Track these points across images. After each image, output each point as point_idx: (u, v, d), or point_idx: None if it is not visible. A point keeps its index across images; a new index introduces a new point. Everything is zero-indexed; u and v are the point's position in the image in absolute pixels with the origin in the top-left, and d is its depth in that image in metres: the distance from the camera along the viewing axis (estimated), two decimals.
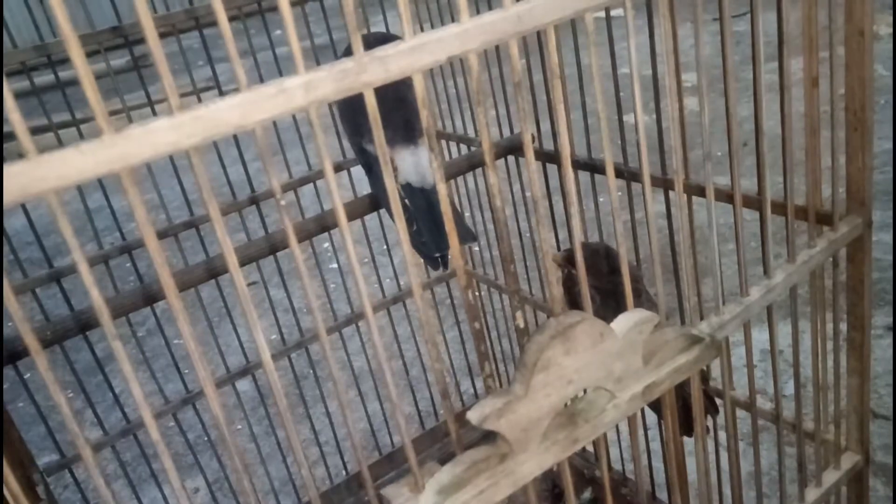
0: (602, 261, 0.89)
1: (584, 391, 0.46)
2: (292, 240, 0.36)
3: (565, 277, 0.96)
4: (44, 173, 0.29)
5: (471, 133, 1.19)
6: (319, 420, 1.39)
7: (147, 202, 1.04)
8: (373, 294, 1.33)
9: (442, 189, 0.40)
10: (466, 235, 0.87)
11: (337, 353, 1.35)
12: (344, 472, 1.39)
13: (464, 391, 1.61)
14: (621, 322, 0.46)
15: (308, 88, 0.34)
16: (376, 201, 0.94)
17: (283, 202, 0.35)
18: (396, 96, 0.79)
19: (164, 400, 1.11)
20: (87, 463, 0.34)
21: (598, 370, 0.45)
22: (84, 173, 0.30)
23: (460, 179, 1.20)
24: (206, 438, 1.25)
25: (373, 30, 1.00)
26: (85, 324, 0.83)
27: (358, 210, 0.92)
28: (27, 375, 0.97)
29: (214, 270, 0.79)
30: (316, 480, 1.45)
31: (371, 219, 1.07)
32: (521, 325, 0.44)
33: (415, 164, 0.77)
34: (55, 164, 0.30)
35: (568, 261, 0.95)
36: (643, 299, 0.88)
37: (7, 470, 0.32)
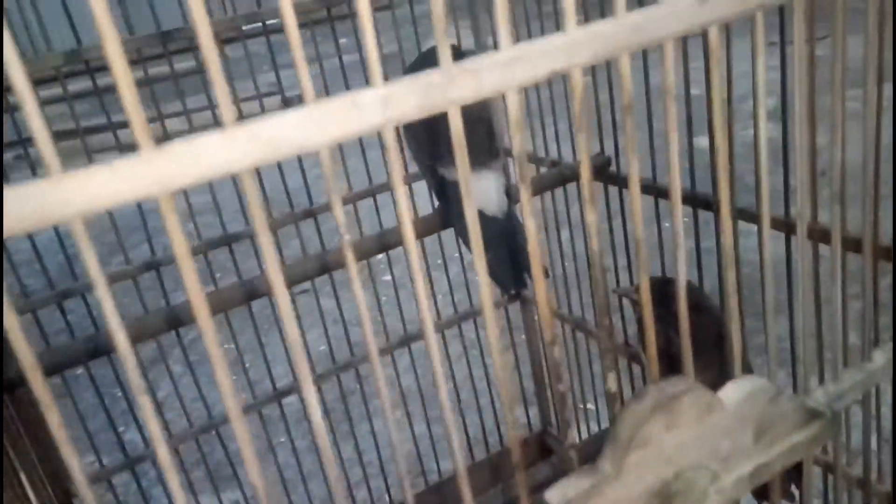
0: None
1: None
2: (353, 270, 0.31)
3: (639, 315, 0.89)
4: (68, 196, 0.24)
5: (538, 152, 1.13)
6: (364, 439, 1.34)
7: (201, 205, 1.00)
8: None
9: (531, 226, 0.34)
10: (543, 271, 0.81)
11: (385, 369, 1.30)
12: (387, 497, 1.34)
13: (517, 417, 1.54)
14: (731, 392, 0.39)
15: (386, 104, 0.28)
16: (444, 220, 0.89)
17: (346, 237, 0.30)
18: (473, 115, 0.73)
19: (207, 411, 1.08)
20: (166, 463, 0.29)
21: (703, 448, 0.38)
22: (117, 196, 0.25)
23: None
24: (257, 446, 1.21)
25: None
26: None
27: (423, 229, 0.87)
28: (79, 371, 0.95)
29: (255, 292, 0.75)
30: (357, 502, 1.40)
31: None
32: (613, 389, 0.38)
33: (488, 189, 0.72)
34: (82, 185, 0.24)
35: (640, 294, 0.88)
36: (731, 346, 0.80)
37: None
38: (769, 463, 0.40)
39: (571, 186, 1.05)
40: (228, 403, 0.30)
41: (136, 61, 0.97)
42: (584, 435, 1.37)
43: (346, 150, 1.09)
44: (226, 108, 0.26)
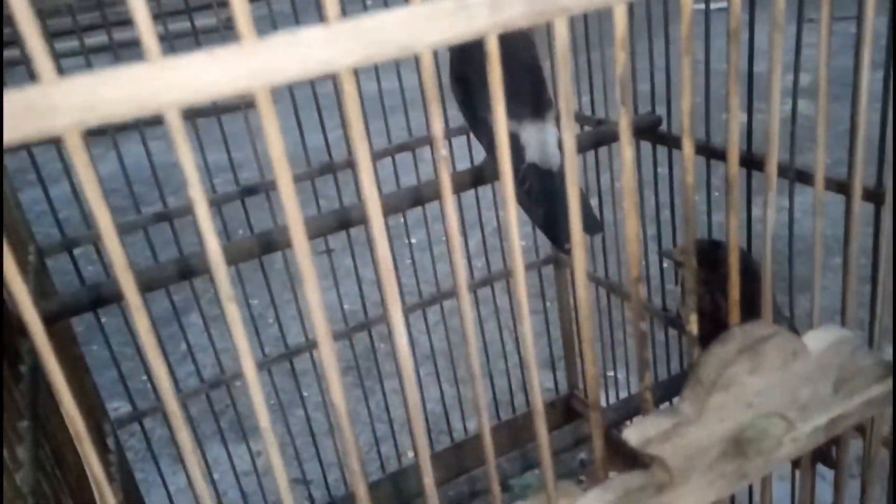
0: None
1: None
2: (447, 198, 0.29)
3: (683, 276, 0.87)
4: (165, 82, 0.23)
5: (584, 111, 1.10)
6: (392, 395, 1.34)
7: (217, 163, 0.98)
8: (450, 275, 1.26)
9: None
10: (594, 225, 0.78)
11: (413, 324, 1.29)
12: (411, 452, 1.34)
13: (542, 383, 1.53)
14: (816, 339, 0.37)
15: (494, 7, 0.26)
16: (480, 176, 0.87)
17: (444, 152, 0.28)
18: (526, 63, 0.70)
19: (220, 368, 1.08)
20: (173, 418, 0.28)
21: (783, 395, 0.37)
22: (217, 86, 0.24)
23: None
24: (273, 401, 1.21)
25: None
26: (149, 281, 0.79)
27: (458, 185, 0.85)
28: (104, 320, 0.95)
29: (271, 245, 0.73)
30: (382, 457, 1.40)
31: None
32: (695, 332, 0.36)
33: (546, 142, 0.69)
34: (180, 73, 0.23)
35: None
36: (775, 310, 0.78)
37: (80, 421, 0.27)
38: (846, 415, 0.39)
39: (603, 153, 1.03)
40: (239, 345, 0.29)
41: (156, 16, 0.95)
42: (610, 401, 1.36)
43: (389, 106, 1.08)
44: (330, 3, 0.24)
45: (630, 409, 1.08)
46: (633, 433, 0.33)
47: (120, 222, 0.93)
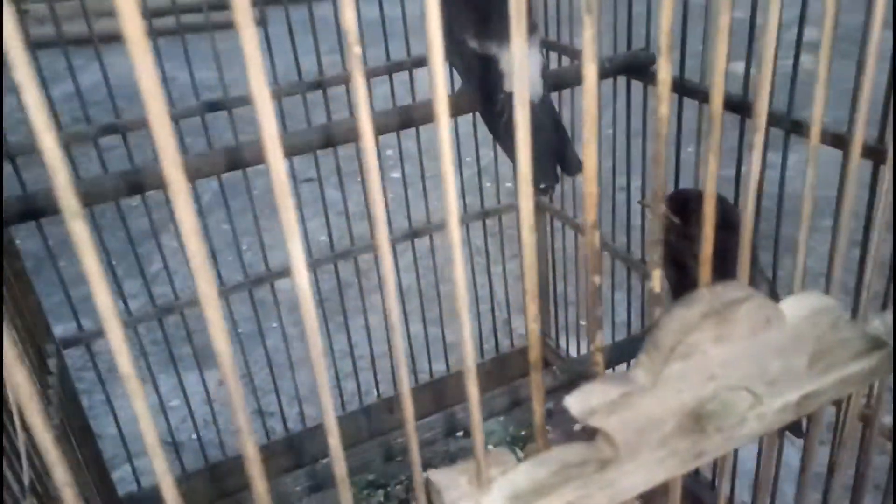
0: (720, 213, 0.75)
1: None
2: (361, 91, 0.24)
3: (666, 228, 0.83)
4: None
5: (574, 44, 1.03)
6: (357, 332, 1.30)
7: (208, 80, 0.92)
8: (435, 212, 1.21)
9: (591, 71, 0.27)
10: (578, 165, 0.73)
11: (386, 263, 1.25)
12: (375, 391, 1.32)
13: (515, 328, 1.50)
14: (793, 307, 0.33)
15: None
16: (454, 106, 0.81)
17: (357, 49, 0.23)
18: None
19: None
20: (114, 345, 0.23)
21: (751, 366, 0.32)
22: None
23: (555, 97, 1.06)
24: (237, 331, 1.18)
25: None
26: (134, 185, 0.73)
27: (453, 108, 0.79)
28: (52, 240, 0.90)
29: (239, 160, 0.67)
30: (345, 394, 1.38)
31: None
32: (657, 288, 0.32)
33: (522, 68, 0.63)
34: None
35: (672, 204, 0.82)
36: (757, 269, 0.74)
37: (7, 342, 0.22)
38: (820, 391, 0.35)
39: (606, 90, 0.97)
40: (198, 273, 0.24)
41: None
42: (582, 351, 1.34)
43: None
44: None
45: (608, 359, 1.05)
46: (576, 401, 0.29)
47: (70, 132, 0.87)
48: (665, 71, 0.28)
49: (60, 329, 1.00)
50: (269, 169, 0.23)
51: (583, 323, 1.38)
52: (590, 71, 0.26)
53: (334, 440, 0.27)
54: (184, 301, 1.01)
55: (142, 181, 0.71)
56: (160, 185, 0.70)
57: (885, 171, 0.39)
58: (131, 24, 0.19)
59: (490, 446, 1.37)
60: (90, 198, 0.69)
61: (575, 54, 0.96)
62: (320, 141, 0.70)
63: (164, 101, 0.21)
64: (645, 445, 0.31)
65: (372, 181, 0.26)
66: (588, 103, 0.27)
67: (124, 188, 0.72)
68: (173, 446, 1.19)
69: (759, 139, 0.31)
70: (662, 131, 0.29)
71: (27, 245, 1.05)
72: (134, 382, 0.24)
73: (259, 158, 0.70)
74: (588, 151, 0.28)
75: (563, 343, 1.35)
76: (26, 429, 0.55)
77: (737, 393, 0.34)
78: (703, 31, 0.86)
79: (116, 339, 0.23)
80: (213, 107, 0.89)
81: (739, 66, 0.80)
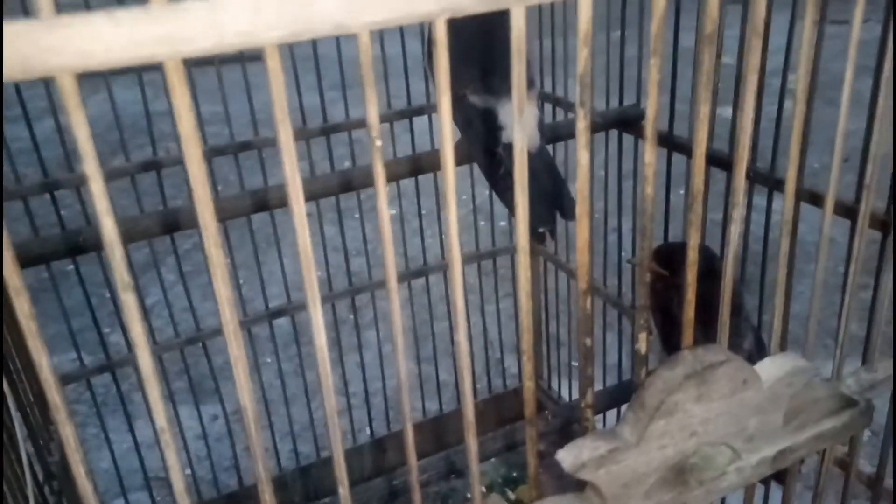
0: (704, 264, 0.78)
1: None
2: (381, 186, 0.27)
3: (653, 279, 0.86)
4: (59, 43, 0.20)
5: (568, 96, 1.07)
6: (351, 370, 1.32)
7: (211, 114, 0.95)
8: (430, 248, 1.24)
9: (584, 158, 0.30)
10: (571, 210, 0.76)
11: (380, 303, 1.27)
12: (368, 430, 1.33)
13: (507, 367, 1.52)
14: (769, 369, 0.35)
15: None
16: (466, 154, 0.84)
17: (378, 142, 0.26)
18: (505, 38, 0.67)
19: (196, 323, 1.05)
20: (145, 374, 0.26)
21: (730, 424, 0.35)
22: (113, 53, 0.21)
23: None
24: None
25: None
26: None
27: (459, 157, 0.82)
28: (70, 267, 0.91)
29: (263, 203, 0.70)
30: (322, 441, 1.38)
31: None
32: (643, 351, 0.34)
33: (524, 121, 0.66)
34: (76, 34, 0.20)
35: (658, 257, 0.84)
36: (742, 318, 0.77)
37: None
38: (795, 447, 0.37)
39: (598, 140, 1.01)
40: (224, 314, 0.27)
41: None
42: (574, 393, 1.35)
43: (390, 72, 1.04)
44: None
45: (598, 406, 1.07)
46: (567, 456, 0.32)
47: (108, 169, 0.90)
48: (650, 153, 0.30)
49: (54, 361, 1.02)
50: (292, 210, 0.26)
51: (575, 363, 1.40)
52: (583, 158, 0.29)
53: (344, 491, 0.30)
54: (183, 338, 1.02)
55: (178, 221, 0.73)
56: (193, 225, 0.72)
57: (860, 224, 0.42)
58: (66, 86, 0.22)
59: (482, 488, 1.38)
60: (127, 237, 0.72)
61: (569, 106, 0.99)
62: (334, 188, 0.74)
63: (202, 158, 0.24)
64: (631, 497, 0.33)
65: (386, 245, 0.29)
66: (581, 182, 0.30)
67: (158, 228, 0.75)
68: (166, 482, 1.20)
69: (737, 214, 0.33)
70: (648, 209, 0.31)
71: (24, 276, 1.07)
72: (168, 435, 0.26)
73: (276, 203, 0.73)
74: (580, 228, 0.30)
75: (555, 384, 1.37)
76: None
77: (717, 448, 0.36)
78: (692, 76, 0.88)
79: (154, 394, 0.26)
80: (244, 146, 0.93)
81: (727, 111, 0.83)
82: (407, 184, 1.16)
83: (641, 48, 0.90)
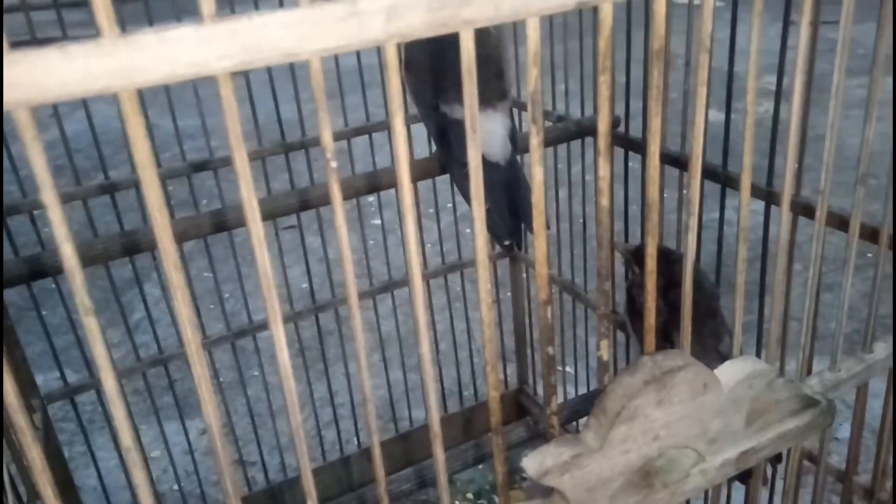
0: (676, 269, 0.79)
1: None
2: (337, 204, 0.28)
3: (630, 283, 0.87)
4: (13, 78, 0.21)
5: (545, 106, 1.08)
6: (338, 380, 1.32)
7: (191, 129, 0.95)
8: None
9: (538, 174, 0.31)
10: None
11: (366, 313, 1.28)
12: (356, 440, 1.33)
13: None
14: (729, 372, 0.36)
15: (390, 16, 0.24)
16: (441, 165, 0.85)
17: (333, 164, 0.26)
18: (482, 52, 0.68)
19: (179, 342, 1.05)
20: (110, 395, 0.26)
21: (692, 427, 0.36)
22: (67, 87, 0.21)
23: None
24: (219, 380, 1.19)
25: None
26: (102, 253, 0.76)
27: (419, 172, 0.83)
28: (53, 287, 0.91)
29: (224, 224, 0.71)
30: (325, 443, 1.39)
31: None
32: (606, 357, 0.35)
33: (493, 132, 0.67)
34: (29, 69, 0.21)
35: (635, 257, 0.85)
36: (719, 321, 0.78)
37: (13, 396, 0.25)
38: (758, 448, 0.38)
39: (574, 145, 1.02)
40: (186, 334, 0.27)
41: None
42: (560, 397, 1.36)
43: (346, 85, 1.06)
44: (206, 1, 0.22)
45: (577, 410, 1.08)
46: (532, 463, 0.32)
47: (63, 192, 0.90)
48: (604, 167, 0.31)
49: (41, 379, 1.01)
50: (250, 233, 0.26)
51: (560, 368, 1.41)
52: (537, 174, 0.29)
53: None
54: (167, 353, 1.03)
55: (138, 242, 0.74)
56: (153, 247, 0.73)
57: (817, 226, 0.43)
58: (22, 119, 0.23)
59: (469, 495, 1.38)
60: (84, 262, 0.72)
61: (547, 115, 1.00)
62: (298, 205, 0.74)
63: (157, 178, 0.24)
64: (596, 501, 0.34)
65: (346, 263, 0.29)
66: (537, 197, 0.31)
67: (118, 250, 0.75)
68: (155, 497, 1.20)
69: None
70: (604, 220, 0.32)
71: (7, 294, 1.07)
72: (134, 454, 0.26)
73: (242, 222, 0.73)
74: (538, 241, 0.31)
75: (540, 389, 1.37)
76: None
77: (681, 451, 0.37)
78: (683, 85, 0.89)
79: (119, 416, 0.26)
80: (199, 167, 0.93)
81: (714, 115, 0.84)
82: (390, 192, 1.17)
83: (628, 53, 0.91)
